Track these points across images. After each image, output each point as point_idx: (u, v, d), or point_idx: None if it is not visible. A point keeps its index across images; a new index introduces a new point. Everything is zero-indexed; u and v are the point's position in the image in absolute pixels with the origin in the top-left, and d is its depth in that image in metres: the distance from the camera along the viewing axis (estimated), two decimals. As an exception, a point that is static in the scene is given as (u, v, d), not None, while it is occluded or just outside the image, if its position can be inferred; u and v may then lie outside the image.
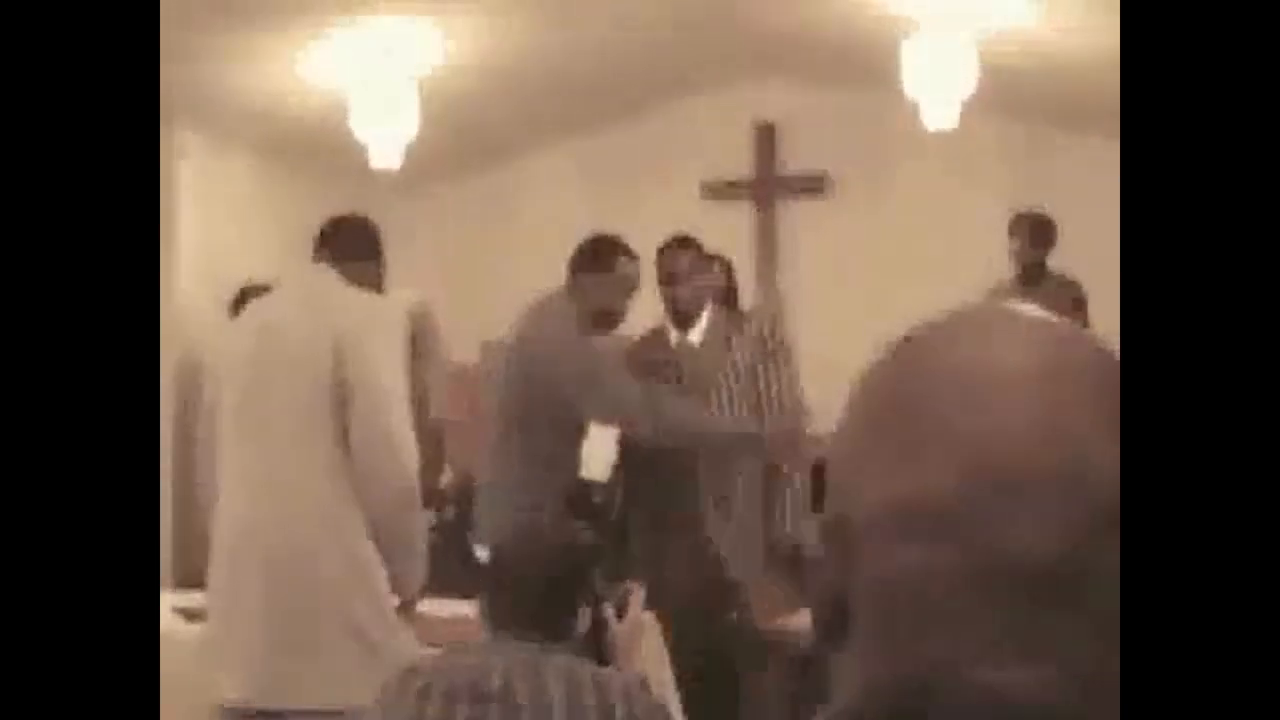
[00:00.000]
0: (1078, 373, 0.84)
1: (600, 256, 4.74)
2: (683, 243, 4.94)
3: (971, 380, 0.84)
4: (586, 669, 2.58)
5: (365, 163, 7.04)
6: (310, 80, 6.95)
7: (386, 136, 6.99)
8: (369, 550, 3.41)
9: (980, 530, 0.81)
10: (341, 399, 3.40)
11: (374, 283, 3.73)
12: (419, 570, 3.57)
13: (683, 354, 4.87)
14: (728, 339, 4.88)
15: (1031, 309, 0.90)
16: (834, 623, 0.86)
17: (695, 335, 4.88)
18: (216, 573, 3.49)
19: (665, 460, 4.79)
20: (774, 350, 4.89)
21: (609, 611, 2.90)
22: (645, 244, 4.85)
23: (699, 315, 4.88)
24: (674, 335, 4.92)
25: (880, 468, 0.85)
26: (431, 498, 4.88)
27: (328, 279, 3.62)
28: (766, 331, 4.93)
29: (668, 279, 4.85)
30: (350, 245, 3.71)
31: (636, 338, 5.13)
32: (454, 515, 5.93)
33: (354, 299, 3.59)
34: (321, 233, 3.74)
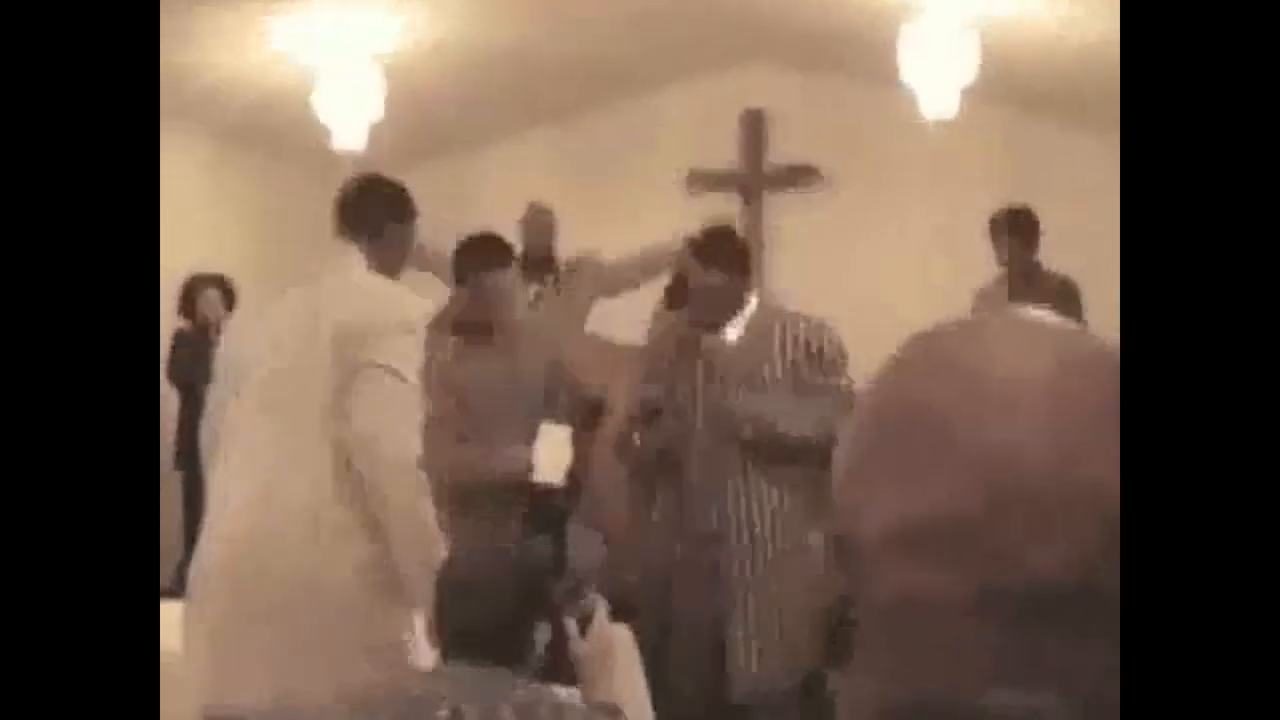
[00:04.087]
0: (1089, 384, 0.83)
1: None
2: (725, 232, 4.47)
3: (982, 396, 0.83)
4: (545, 699, 2.36)
5: (327, 146, 6.85)
6: (272, 62, 6.79)
7: (350, 119, 6.82)
8: (376, 554, 3.22)
9: (991, 551, 0.80)
10: (343, 390, 3.23)
11: (400, 252, 3.52)
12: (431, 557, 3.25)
13: (716, 353, 4.29)
14: (771, 338, 4.27)
15: (1040, 314, 0.89)
16: (839, 642, 0.86)
17: (732, 331, 4.28)
18: (207, 584, 3.30)
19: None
20: (827, 362, 4.17)
21: (572, 628, 2.67)
22: (624, 234, 4.54)
23: (739, 310, 4.29)
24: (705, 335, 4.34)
25: (887, 486, 0.84)
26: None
27: (348, 263, 3.42)
28: (815, 344, 4.25)
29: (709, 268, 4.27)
30: (372, 216, 3.48)
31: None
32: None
33: (362, 292, 3.38)
34: (343, 201, 3.52)
